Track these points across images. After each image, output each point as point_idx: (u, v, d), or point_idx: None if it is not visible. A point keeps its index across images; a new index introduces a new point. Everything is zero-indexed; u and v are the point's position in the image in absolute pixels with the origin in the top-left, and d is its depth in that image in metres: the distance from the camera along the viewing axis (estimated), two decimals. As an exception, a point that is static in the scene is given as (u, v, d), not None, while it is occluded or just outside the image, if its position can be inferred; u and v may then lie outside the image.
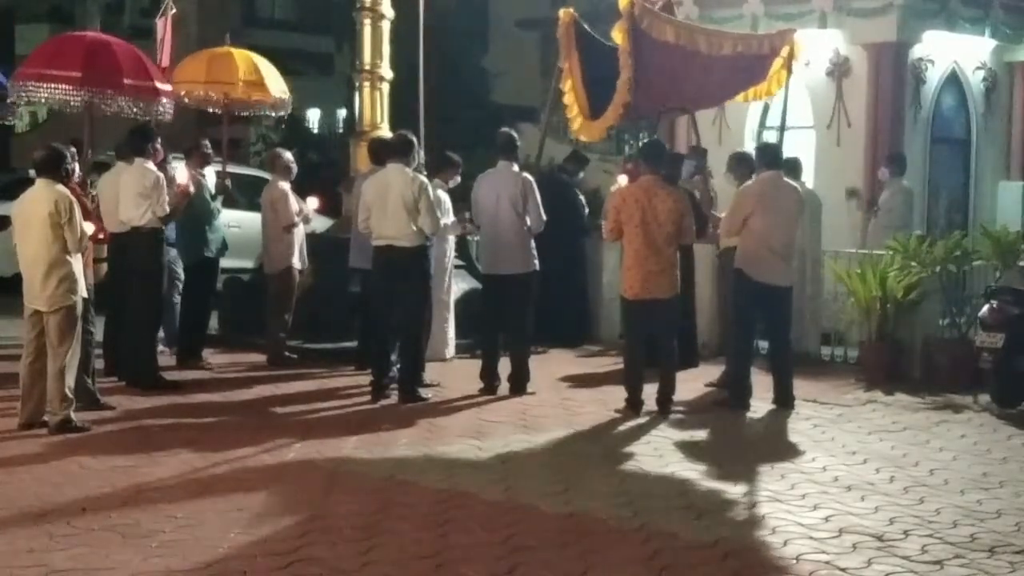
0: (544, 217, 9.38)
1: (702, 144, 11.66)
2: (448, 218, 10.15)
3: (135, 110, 9.24)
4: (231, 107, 11.07)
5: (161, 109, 9.28)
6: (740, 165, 9.59)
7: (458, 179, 10.47)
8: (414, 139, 9.20)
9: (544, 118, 12.99)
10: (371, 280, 9.21)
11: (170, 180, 9.33)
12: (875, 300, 10.28)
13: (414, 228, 8.82)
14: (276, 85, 11.03)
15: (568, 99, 11.82)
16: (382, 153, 9.78)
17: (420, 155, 9.53)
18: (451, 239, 10.64)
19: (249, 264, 13.59)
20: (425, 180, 9.03)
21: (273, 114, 12.19)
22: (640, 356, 8.78)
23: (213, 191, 10.40)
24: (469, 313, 10.73)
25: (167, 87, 9.57)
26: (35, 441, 7.49)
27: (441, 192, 10.23)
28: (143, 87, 9.10)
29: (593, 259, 12.15)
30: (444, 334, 10.62)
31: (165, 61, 10.60)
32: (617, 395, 8.90)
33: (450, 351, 10.67)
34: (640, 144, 11.00)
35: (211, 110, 11.29)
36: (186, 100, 10.87)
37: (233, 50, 11.08)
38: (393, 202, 8.82)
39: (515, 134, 9.68)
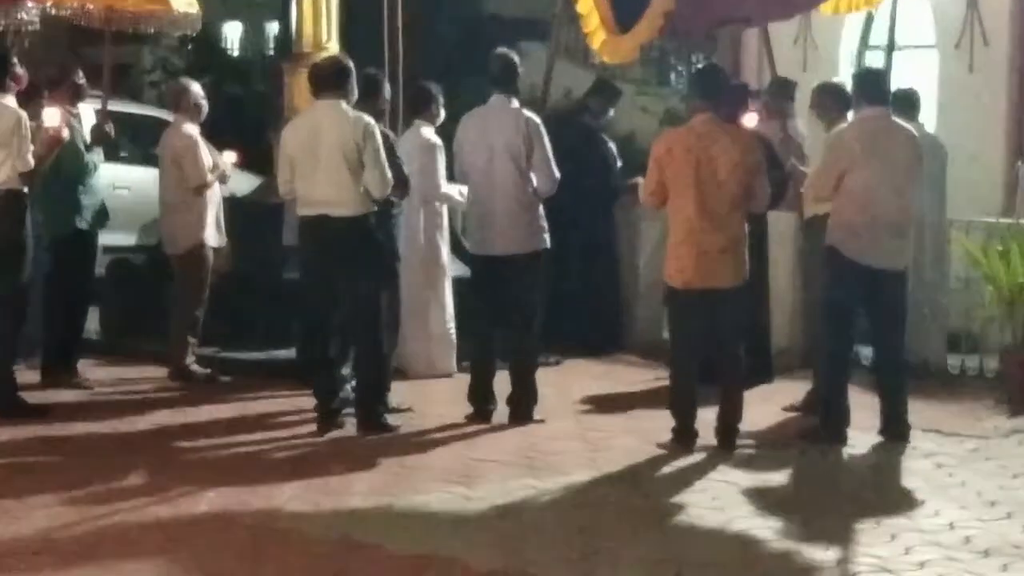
0: (557, 174, 9.40)
1: (780, 73, 11.66)
2: (445, 183, 10.31)
3: None
4: (115, 22, 11.07)
5: (25, 15, 9.27)
6: (830, 100, 9.60)
7: (442, 114, 10.51)
8: (350, 64, 9.20)
9: (555, 34, 13.00)
10: (303, 265, 9.24)
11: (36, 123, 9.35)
12: (1023, 290, 10.29)
13: (358, 190, 8.84)
14: None
15: (584, 7, 11.83)
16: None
17: (387, 89, 9.54)
18: (443, 210, 10.72)
19: (143, 241, 13.61)
20: (371, 120, 9.01)
21: (175, 33, 12.18)
22: (692, 369, 8.81)
23: (88, 139, 10.41)
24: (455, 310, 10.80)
25: None
26: None
27: (434, 137, 10.33)
28: None
29: (627, 233, 12.16)
30: (446, 340, 10.76)
31: None
32: (660, 423, 8.93)
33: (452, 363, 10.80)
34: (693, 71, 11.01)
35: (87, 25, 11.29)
36: (53, 11, 10.87)
37: None
38: (327, 154, 8.82)
39: (515, 57, 9.69)
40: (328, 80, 9.08)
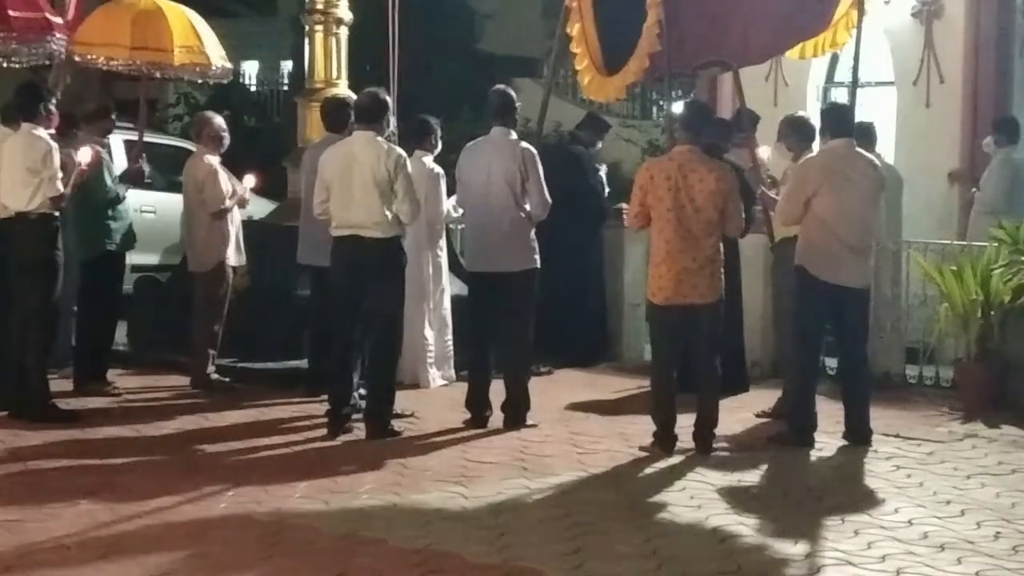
0: (549, 200, 9.41)
1: (751, 108, 11.66)
2: (445, 201, 10.32)
3: (29, 53, 9.25)
4: (161, 71, 11.10)
5: (54, 46, 9.27)
6: (795, 133, 9.63)
7: (440, 144, 10.57)
8: (387, 99, 9.25)
9: (549, 72, 13.01)
10: (330, 280, 9.24)
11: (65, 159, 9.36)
12: (975, 306, 10.29)
13: (388, 215, 8.85)
14: (216, 51, 11.07)
15: (577, 47, 11.82)
16: (342, 117, 9.82)
17: (391, 121, 9.55)
18: (443, 232, 10.78)
19: (168, 260, 13.61)
20: (403, 153, 9.06)
21: (204, 81, 12.19)
22: (672, 378, 8.81)
23: (118, 172, 10.39)
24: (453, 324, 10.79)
25: (59, 19, 9.55)
26: None
27: (435, 166, 10.37)
28: (32, 20, 9.10)
29: (613, 253, 12.18)
30: (444, 354, 10.80)
31: (71, 14, 10.59)
32: (642, 428, 8.93)
33: (436, 377, 10.77)
34: (673, 107, 11.03)
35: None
36: (103, 66, 10.89)
37: (163, 5, 11.04)
38: (361, 181, 8.85)
39: (513, 93, 9.71)
40: (365, 113, 9.12)
